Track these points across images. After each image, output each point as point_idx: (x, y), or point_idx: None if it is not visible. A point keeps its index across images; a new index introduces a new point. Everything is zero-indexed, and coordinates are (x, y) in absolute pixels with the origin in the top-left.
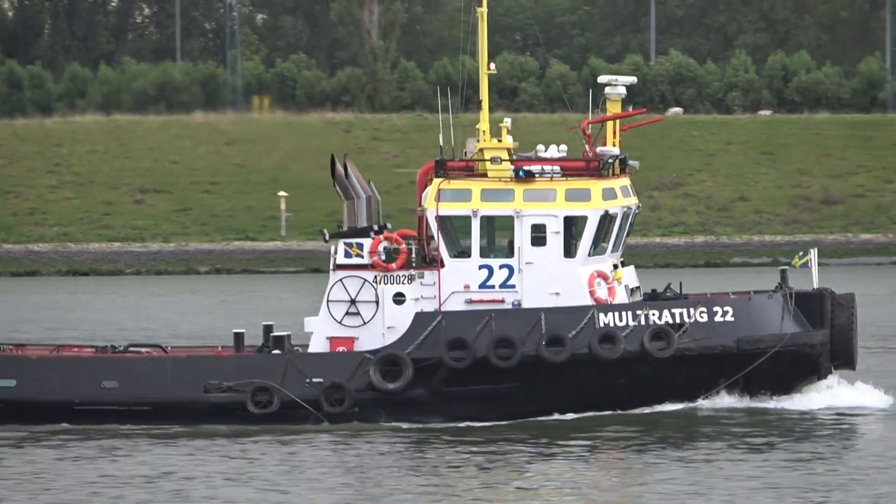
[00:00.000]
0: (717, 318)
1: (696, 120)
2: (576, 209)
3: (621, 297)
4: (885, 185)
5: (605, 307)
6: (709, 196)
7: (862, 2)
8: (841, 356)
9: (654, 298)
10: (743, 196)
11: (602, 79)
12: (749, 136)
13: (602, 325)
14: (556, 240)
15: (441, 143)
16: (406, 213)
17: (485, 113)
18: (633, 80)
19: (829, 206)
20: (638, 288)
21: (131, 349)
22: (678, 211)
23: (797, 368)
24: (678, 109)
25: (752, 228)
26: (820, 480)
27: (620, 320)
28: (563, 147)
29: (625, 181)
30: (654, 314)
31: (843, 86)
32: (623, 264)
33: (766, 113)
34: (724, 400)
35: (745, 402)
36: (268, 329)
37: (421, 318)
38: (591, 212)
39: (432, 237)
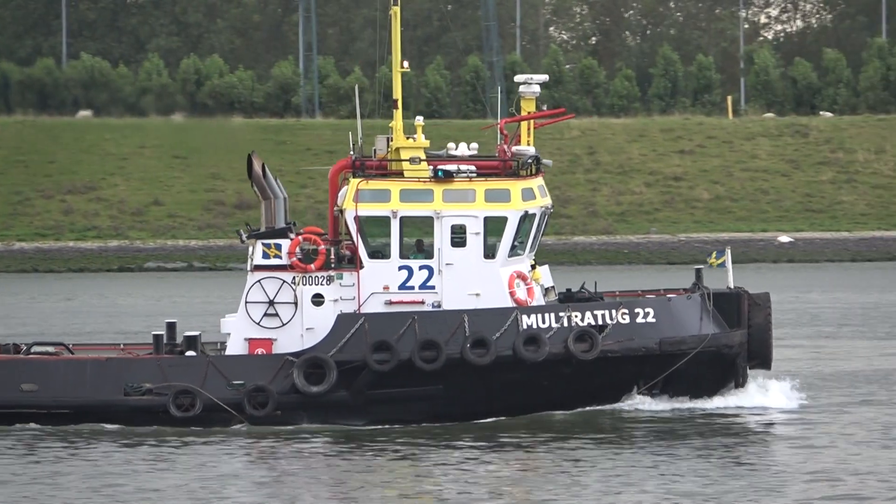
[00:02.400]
0: (640, 320)
1: (109, 123)
2: (496, 210)
3: (539, 298)
4: (299, 189)
5: (529, 309)
6: (122, 200)
7: (274, 6)
8: (757, 356)
9: (569, 298)
10: (157, 200)
11: (518, 78)
12: (163, 139)
13: (526, 326)
14: (475, 241)
15: (358, 143)
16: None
17: (399, 112)
18: (545, 78)
19: (243, 211)
20: (553, 287)
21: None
22: (91, 215)
23: (716, 369)
24: (87, 112)
25: (166, 233)
26: (737, 483)
27: (544, 322)
28: (475, 145)
29: (540, 181)
30: (576, 316)
31: (256, 90)
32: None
33: (177, 117)
34: (644, 400)
35: (663, 403)
36: (171, 326)
37: (343, 320)
38: (512, 212)
39: (346, 233)
